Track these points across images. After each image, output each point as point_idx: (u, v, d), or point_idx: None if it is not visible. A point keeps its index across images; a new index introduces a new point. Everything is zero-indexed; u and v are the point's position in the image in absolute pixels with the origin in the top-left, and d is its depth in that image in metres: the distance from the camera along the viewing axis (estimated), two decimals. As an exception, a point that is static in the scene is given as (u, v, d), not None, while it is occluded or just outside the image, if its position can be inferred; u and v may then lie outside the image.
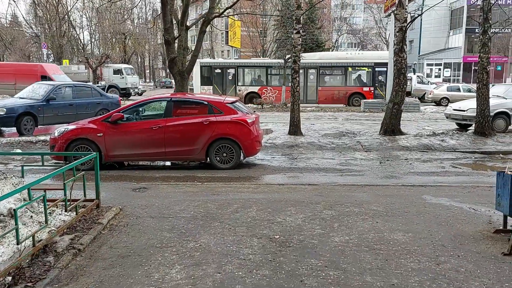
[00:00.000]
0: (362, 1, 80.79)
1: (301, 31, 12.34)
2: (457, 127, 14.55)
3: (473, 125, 13.49)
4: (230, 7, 12.30)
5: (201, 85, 26.49)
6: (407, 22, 12.03)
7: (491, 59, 38.30)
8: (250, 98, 25.69)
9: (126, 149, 8.84)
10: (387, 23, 62.42)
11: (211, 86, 26.53)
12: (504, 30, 38.60)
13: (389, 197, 6.44)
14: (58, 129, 9.24)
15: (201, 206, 5.90)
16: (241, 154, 8.95)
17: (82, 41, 56.04)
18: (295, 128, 12.61)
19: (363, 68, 25.73)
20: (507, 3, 44.03)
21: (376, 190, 6.97)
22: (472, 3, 49.38)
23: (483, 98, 12.12)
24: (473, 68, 51.46)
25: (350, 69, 25.67)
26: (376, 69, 25.09)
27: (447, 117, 14.52)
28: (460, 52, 50.92)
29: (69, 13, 55.68)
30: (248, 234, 4.80)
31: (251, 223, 5.20)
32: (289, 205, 5.94)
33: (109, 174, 8.63)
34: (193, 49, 12.40)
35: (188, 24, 12.31)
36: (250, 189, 6.94)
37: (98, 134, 8.77)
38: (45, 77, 26.37)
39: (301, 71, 24.77)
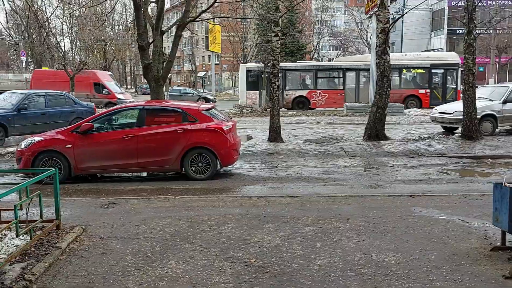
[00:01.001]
0: (343, 3, 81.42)
1: (280, 34, 11.91)
2: (443, 130, 14.30)
3: (459, 128, 13.30)
4: (204, 11, 11.80)
5: (246, 90, 25.43)
6: (389, 24, 11.72)
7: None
8: (298, 102, 24.73)
9: (97, 160, 8.25)
10: (368, 26, 62.90)
11: (257, 91, 25.48)
12: (488, 31, 39.07)
13: (376, 209, 6.01)
14: (25, 141, 8.61)
15: (172, 224, 5.37)
16: (218, 163, 8.44)
17: (62, 48, 54.92)
18: (275, 135, 12.15)
19: (418, 70, 24.55)
20: (490, 3, 44.53)
21: (362, 201, 6.54)
22: (453, 4, 50.12)
23: (469, 100, 11.87)
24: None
25: (404, 70, 24.57)
26: (433, 70, 24.19)
27: (432, 121, 14.26)
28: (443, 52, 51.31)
29: (49, 20, 54.56)
30: (221, 258, 4.30)
31: (225, 243, 4.70)
32: (267, 221, 5.46)
33: (79, 188, 8.05)
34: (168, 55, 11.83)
35: (163, 29, 11.75)
36: (226, 203, 6.44)
37: (67, 146, 8.17)
38: (98, 85, 26.32)
39: (353, 73, 24.98)
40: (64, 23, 59.74)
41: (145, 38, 10.99)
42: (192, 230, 5.15)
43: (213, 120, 8.48)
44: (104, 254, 4.43)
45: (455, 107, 13.51)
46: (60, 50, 49.07)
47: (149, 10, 11.67)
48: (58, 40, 52.86)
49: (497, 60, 43.35)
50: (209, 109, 8.75)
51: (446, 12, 50.86)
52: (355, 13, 63.59)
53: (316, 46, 66.81)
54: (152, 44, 11.41)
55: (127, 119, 8.86)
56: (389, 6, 11.85)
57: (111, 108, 9.19)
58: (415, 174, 9.00)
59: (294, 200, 6.61)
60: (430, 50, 52.73)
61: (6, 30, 52.51)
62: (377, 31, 12.06)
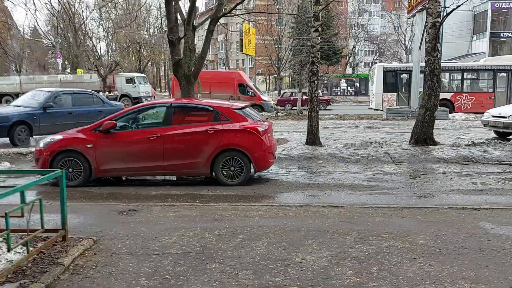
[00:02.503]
0: (380, 7, 79.49)
1: (320, 29, 11.05)
2: (496, 135, 13.01)
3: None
4: (240, 3, 11.07)
5: (383, 92, 24.23)
6: (441, 17, 10.64)
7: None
8: (440, 106, 23.52)
9: (119, 162, 7.65)
10: (406, 29, 61.11)
11: (395, 93, 24.27)
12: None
13: (437, 224, 5.06)
14: (44, 140, 8.10)
15: (198, 237, 4.62)
16: (252, 167, 7.66)
17: (99, 51, 55.93)
18: (313, 138, 11.27)
19: None
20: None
21: (418, 214, 5.59)
22: (496, 6, 47.71)
23: (529, 102, 10.62)
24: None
25: None
26: None
27: (484, 125, 12.99)
28: (484, 57, 48.88)
29: (85, 23, 55.68)
30: (255, 284, 3.50)
31: (259, 264, 3.89)
32: (309, 237, 4.61)
33: (99, 191, 7.45)
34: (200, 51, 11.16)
35: (195, 24, 11.13)
36: (260, 213, 5.64)
37: (88, 145, 7.60)
38: (243, 85, 25.08)
39: (504, 75, 22.97)
40: (100, 26, 60.92)
41: (176, 33, 10.39)
42: (220, 245, 4.38)
43: (247, 120, 7.71)
44: (113, 274, 3.71)
45: (511, 110, 12.24)
46: (96, 53, 49.97)
47: (181, 4, 11.08)
48: (94, 43, 53.87)
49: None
50: (243, 107, 7.98)
51: (489, 15, 48.44)
52: (392, 17, 61.93)
53: (352, 50, 65.38)
54: (183, 39, 10.78)
55: (153, 117, 8.21)
56: (440, -2, 10.78)
57: (136, 105, 8.59)
58: (473, 183, 7.91)
59: (339, 211, 5.73)
60: (471, 54, 50.34)
61: (44, 33, 53.89)
62: (426, 26, 11.00)
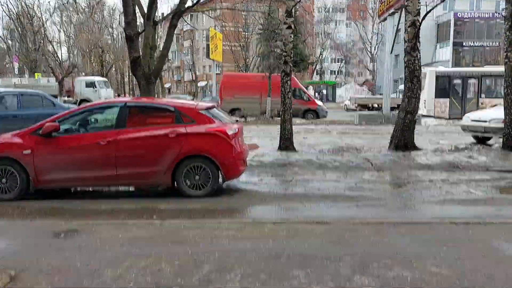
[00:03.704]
0: (345, 16, 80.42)
1: (292, 26, 10.20)
2: (474, 141, 12.52)
3: (493, 138, 11.63)
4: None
5: (435, 97, 23.31)
6: (421, 15, 10.01)
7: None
8: None
9: (63, 171, 6.45)
10: (372, 37, 61.82)
11: (447, 99, 23.28)
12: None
13: (444, 244, 4.20)
14: (-27, 146, 6.80)
15: (151, 269, 3.56)
16: (220, 176, 6.64)
17: (60, 56, 53.48)
18: (287, 143, 10.37)
19: None
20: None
21: (418, 231, 4.72)
22: (459, 16, 48.82)
23: (512, 106, 10.12)
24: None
25: None
26: None
27: (464, 130, 12.48)
28: (448, 65, 49.78)
29: (45, 27, 53.19)
30: None
31: (232, 309, 2.88)
32: (294, 265, 3.64)
33: (38, 206, 6.23)
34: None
35: (156, 19, 10.05)
36: (231, 232, 4.61)
37: (25, 152, 6.36)
38: (295, 90, 22.70)
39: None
40: (61, 30, 58.45)
41: (134, 27, 9.28)
42: (180, 280, 3.33)
43: (214, 122, 6.69)
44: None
45: (491, 114, 11.77)
46: (56, 57, 47.68)
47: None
48: (55, 47, 51.46)
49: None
50: (209, 108, 6.95)
51: (452, 24, 49.53)
52: (358, 25, 62.60)
53: (319, 57, 65.58)
54: (143, 35, 9.68)
55: (104, 119, 7.06)
56: (419, -6, 10.16)
57: (84, 105, 7.41)
58: (465, 192, 7.17)
59: (325, 229, 4.79)
60: (436, 62, 51.26)
61: (1, 37, 51.06)
62: (405, 24, 10.35)
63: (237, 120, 7.75)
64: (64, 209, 6.01)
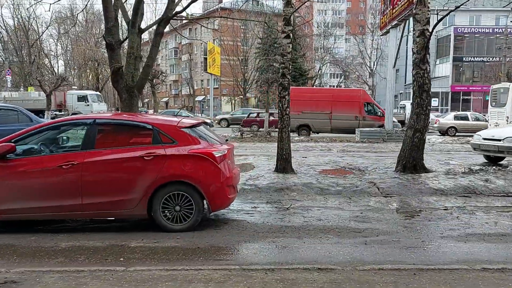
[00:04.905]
0: (345, 31, 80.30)
1: (291, 35, 9.35)
2: (486, 160, 11.59)
3: (506, 158, 10.76)
4: (193, 1, 9.12)
5: None
6: (432, 25, 9.18)
7: (479, 88, 36.22)
8: None
9: (17, 200, 5.49)
10: (371, 52, 61.42)
11: None
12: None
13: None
14: None
15: None
16: (205, 206, 5.68)
17: (56, 69, 52.83)
18: (284, 164, 9.42)
19: None
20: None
21: (444, 281, 3.77)
22: (459, 31, 48.39)
23: (530, 123, 9.22)
24: (461, 97, 49.96)
25: None
26: None
27: (474, 149, 11.54)
28: (448, 81, 49.32)
29: (41, 40, 52.62)
30: None
31: None
32: None
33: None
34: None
35: (143, 26, 9.18)
36: (211, 285, 3.64)
37: (-27, 177, 5.42)
38: (369, 104, 22.08)
39: None
40: (58, 43, 57.94)
41: (115, 35, 8.40)
42: None
43: (199, 143, 5.75)
44: None
45: (506, 132, 10.86)
46: (53, 70, 47.00)
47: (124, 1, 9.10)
48: (52, 60, 50.87)
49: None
50: (193, 125, 6.01)
51: (452, 40, 49.09)
52: (358, 40, 62.29)
53: (318, 72, 65.12)
54: (126, 43, 8.80)
55: (69, 138, 6.12)
56: (429, 2, 9.33)
57: (46, 122, 6.48)
58: (487, 224, 6.21)
59: (329, 279, 3.84)
60: (435, 78, 50.70)
61: (-4, 50, 50.45)
62: (414, 34, 9.50)
63: (227, 140, 6.80)
64: (14, 247, 5.01)
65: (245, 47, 56.62)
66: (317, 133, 21.98)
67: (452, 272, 4.12)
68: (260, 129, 23.50)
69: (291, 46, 9.25)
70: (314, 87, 70.05)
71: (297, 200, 7.60)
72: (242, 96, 55.17)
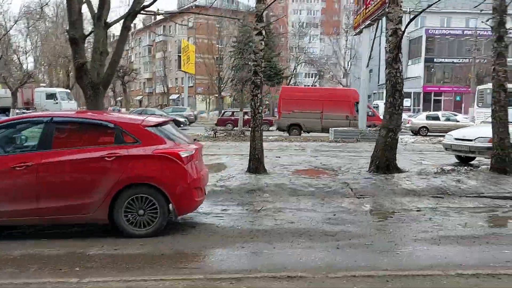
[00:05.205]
0: (319, 31, 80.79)
1: (263, 32, 9.13)
2: (458, 160, 11.69)
3: (477, 158, 10.87)
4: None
5: None
6: (404, 24, 9.12)
7: (450, 89, 37.15)
8: None
9: (-32, 204, 5.07)
10: (345, 52, 61.98)
11: None
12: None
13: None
14: None
15: None
16: (170, 210, 5.38)
17: (25, 66, 50.99)
18: (256, 164, 9.20)
19: None
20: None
21: (420, 290, 3.61)
22: (430, 33, 49.29)
23: (501, 124, 9.29)
24: (433, 98, 50.89)
25: None
26: None
27: (446, 148, 11.61)
28: (420, 81, 50.15)
29: (8, 35, 50.72)
30: None
31: None
32: None
33: None
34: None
35: (109, 20, 8.77)
36: (173, 297, 3.38)
37: None
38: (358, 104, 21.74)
39: None
40: (27, 39, 56.03)
41: (79, 29, 7.99)
42: None
43: (165, 142, 5.45)
44: None
45: (477, 132, 10.95)
46: (21, 67, 45.34)
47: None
48: (20, 56, 49.09)
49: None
50: (159, 124, 5.71)
51: (424, 41, 49.95)
52: (332, 40, 62.75)
53: (293, 71, 65.28)
54: (91, 37, 8.39)
55: (23, 138, 5.71)
56: (401, 1, 9.27)
57: (-1, 119, 6.06)
58: (460, 226, 6.14)
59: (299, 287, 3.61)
60: (407, 79, 51.53)
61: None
62: (387, 33, 9.44)
63: (195, 139, 6.52)
64: (-39, 256, 4.61)
65: (220, 46, 56.16)
66: (308, 132, 21.95)
67: (426, 278, 3.98)
68: (235, 128, 23.25)
69: (263, 44, 9.04)
70: (291, 86, 70.44)
71: (269, 201, 7.38)
72: (217, 95, 54.70)
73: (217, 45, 55.81)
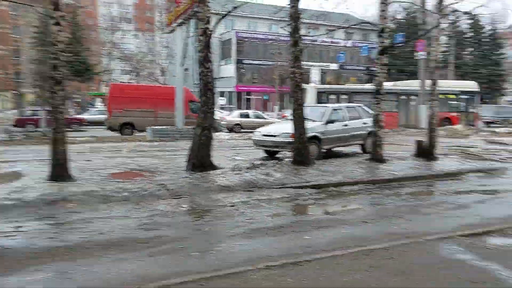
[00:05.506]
0: (133, 27, 78.25)
1: (62, 22, 8.14)
2: (266, 155, 12.63)
3: (281, 152, 11.95)
4: None
5: None
6: (212, 24, 9.31)
7: (258, 89, 40.88)
8: None
9: None
10: (161, 50, 61.49)
11: None
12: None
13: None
14: None
15: None
16: None
17: None
18: (60, 170, 8.17)
19: (451, 96, 26.51)
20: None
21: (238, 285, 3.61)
22: (239, 36, 52.57)
23: (299, 120, 10.33)
24: (244, 97, 54.47)
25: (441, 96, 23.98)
26: (462, 96, 26.88)
27: (255, 144, 12.41)
28: (233, 81, 53.10)
29: None
30: None
31: None
32: None
33: None
34: None
35: None
36: None
37: None
38: (193, 103, 21.53)
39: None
40: None
41: None
42: None
43: None
44: None
45: (281, 129, 12.01)
46: None
47: None
48: None
49: (280, 89, 46.57)
50: None
51: (234, 42, 53.00)
52: (147, 37, 61.56)
53: (107, 67, 61.75)
54: None
55: None
56: (209, 2, 9.43)
57: None
58: (269, 217, 6.54)
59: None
60: (221, 78, 54.09)
61: None
62: (197, 33, 9.50)
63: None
64: None
65: (16, 36, 49.33)
66: (142, 131, 20.94)
67: (238, 275, 4.03)
68: (37, 129, 20.67)
69: (62, 35, 8.06)
70: (104, 83, 66.37)
71: (76, 212, 6.60)
72: (15, 91, 47.99)
73: (13, 35, 48.94)
